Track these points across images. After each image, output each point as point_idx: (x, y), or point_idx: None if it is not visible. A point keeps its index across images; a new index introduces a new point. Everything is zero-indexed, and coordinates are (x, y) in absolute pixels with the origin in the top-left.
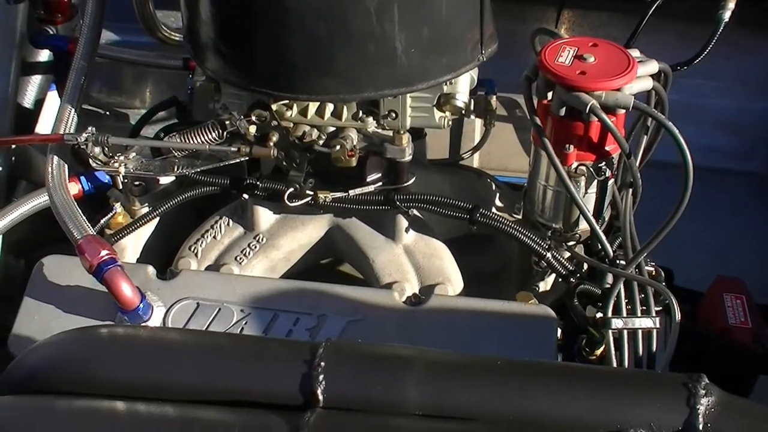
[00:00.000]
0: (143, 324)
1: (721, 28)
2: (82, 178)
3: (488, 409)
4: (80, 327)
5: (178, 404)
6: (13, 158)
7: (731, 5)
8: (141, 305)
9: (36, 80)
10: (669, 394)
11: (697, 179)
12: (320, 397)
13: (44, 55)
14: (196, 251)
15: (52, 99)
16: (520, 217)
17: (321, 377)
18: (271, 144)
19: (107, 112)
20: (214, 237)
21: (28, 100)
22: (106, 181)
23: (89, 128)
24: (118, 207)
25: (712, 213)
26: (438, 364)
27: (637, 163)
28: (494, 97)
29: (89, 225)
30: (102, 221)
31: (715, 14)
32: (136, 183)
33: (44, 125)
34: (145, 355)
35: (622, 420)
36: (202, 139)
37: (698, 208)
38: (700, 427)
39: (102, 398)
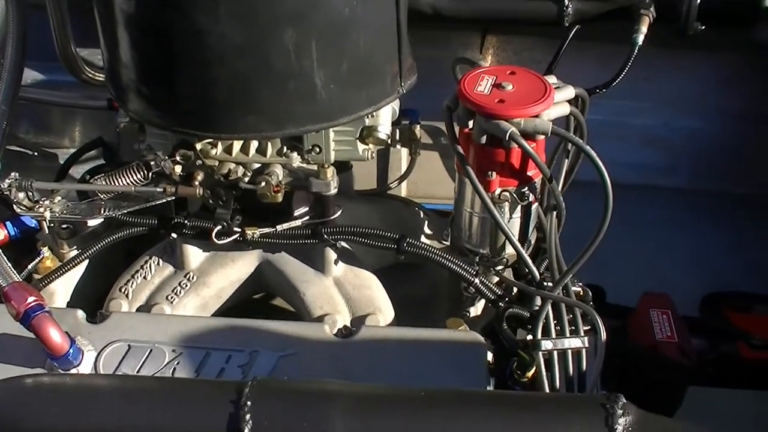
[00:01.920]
0: (74, 369)
1: (636, 51)
2: (8, 223)
3: None
4: (4, 378)
5: None
6: None
7: (644, 29)
8: (71, 350)
9: None
10: (588, 415)
11: (625, 196)
12: None
13: None
14: (126, 292)
15: None
16: (448, 243)
17: (248, 416)
18: (197, 183)
19: (35, 153)
20: (145, 277)
21: None
22: (33, 225)
23: (12, 174)
24: (45, 251)
25: (642, 228)
26: (364, 397)
27: (560, 186)
28: (418, 126)
29: (14, 272)
30: (29, 266)
31: (631, 38)
32: (64, 226)
33: None
34: (72, 403)
35: None
36: (128, 180)
37: (627, 224)
38: None
39: None
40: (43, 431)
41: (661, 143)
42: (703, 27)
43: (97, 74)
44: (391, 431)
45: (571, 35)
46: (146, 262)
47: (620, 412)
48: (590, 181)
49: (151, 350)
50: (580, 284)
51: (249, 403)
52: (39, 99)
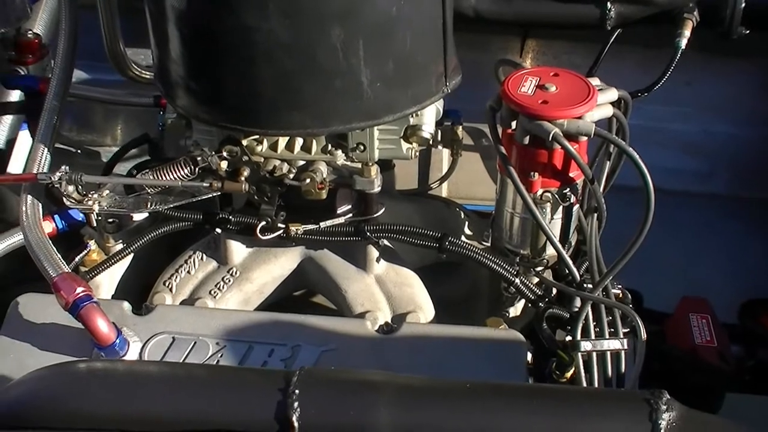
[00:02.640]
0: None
1: (678, 55)
2: (56, 216)
3: (457, 431)
4: (57, 363)
5: None
6: None
7: (687, 33)
8: (117, 341)
9: (7, 120)
10: (631, 410)
11: (663, 201)
12: (295, 425)
13: (15, 95)
14: (170, 286)
15: (24, 138)
16: (488, 244)
17: (296, 404)
18: (243, 179)
19: (78, 150)
20: (188, 272)
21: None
22: (80, 218)
23: (63, 167)
24: (92, 244)
25: (678, 234)
26: (408, 388)
27: (601, 188)
28: (460, 127)
29: (64, 263)
30: (76, 259)
31: (673, 42)
32: (110, 220)
33: (16, 165)
34: (122, 388)
35: None
36: (175, 175)
37: (664, 229)
38: None
39: None
40: (94, 414)
41: (700, 149)
42: (747, 31)
43: (143, 72)
44: (436, 421)
45: (612, 39)
46: (190, 256)
47: (664, 407)
48: (631, 187)
49: (195, 343)
50: (620, 286)
51: (297, 391)
52: (87, 96)
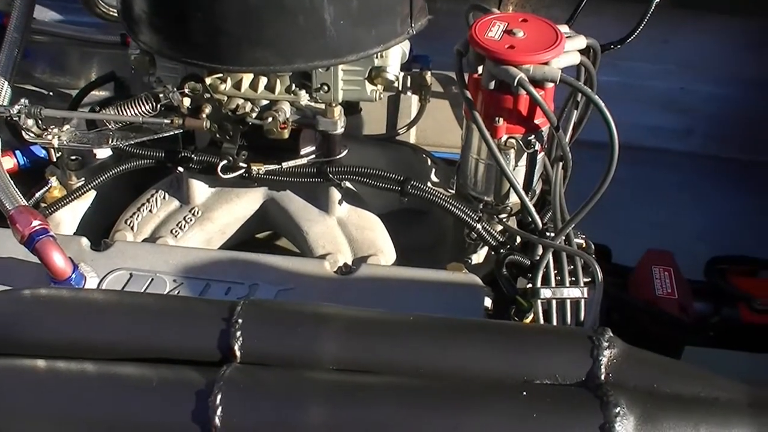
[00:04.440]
0: None
1: (652, 8)
2: (17, 152)
3: (400, 363)
4: (4, 289)
5: (99, 362)
6: None
7: None
8: (73, 275)
9: None
10: (574, 346)
11: (640, 158)
12: (237, 353)
13: None
14: (132, 224)
15: None
16: (454, 191)
17: (238, 333)
18: (204, 116)
19: (51, 93)
20: (150, 210)
21: None
22: (43, 155)
23: (22, 100)
24: (53, 180)
25: (655, 191)
26: (352, 319)
27: (568, 138)
28: (429, 72)
29: (21, 196)
30: (37, 195)
31: None
32: (73, 157)
33: None
34: (67, 314)
35: (528, 371)
36: (136, 111)
37: (639, 186)
38: (602, 377)
39: (23, 357)
40: (39, 341)
41: (677, 107)
42: None
43: (110, 9)
44: (380, 352)
45: None
46: (152, 195)
47: (606, 344)
48: (603, 143)
49: (152, 279)
50: (583, 236)
51: (240, 320)
52: (54, 33)
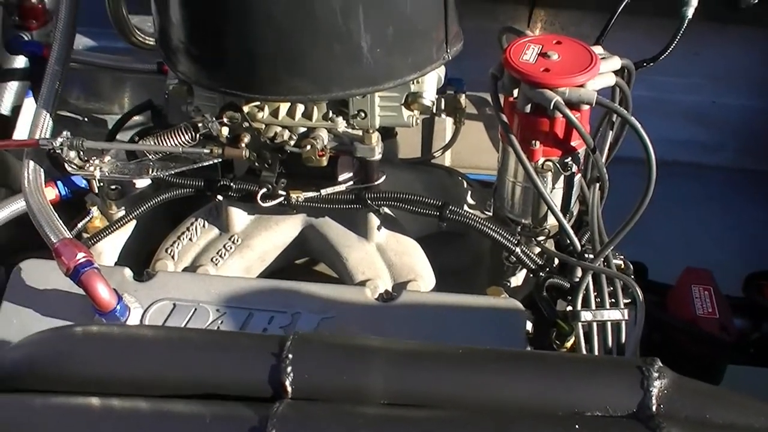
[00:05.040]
0: None
1: (685, 24)
2: (59, 182)
3: (449, 396)
4: (55, 327)
5: (151, 399)
6: None
7: (694, 2)
8: (118, 307)
9: (12, 86)
10: (623, 377)
11: (670, 173)
12: (288, 389)
13: (20, 62)
14: (172, 253)
15: (29, 105)
16: (491, 213)
17: (289, 369)
18: (243, 145)
19: (85, 119)
20: (190, 239)
21: (5, 107)
22: (83, 185)
23: (64, 132)
24: (94, 211)
25: (685, 206)
26: (402, 352)
27: (604, 159)
28: (463, 95)
29: (65, 228)
30: (79, 225)
31: (680, 11)
32: (113, 187)
33: (22, 131)
34: (118, 351)
35: (578, 403)
36: (176, 141)
37: (672, 201)
38: (654, 408)
39: (78, 395)
40: (91, 377)
41: (708, 120)
42: (756, 1)
43: (147, 38)
44: (428, 384)
45: (619, 10)
46: (192, 223)
47: (656, 374)
48: (636, 158)
49: (195, 309)
50: (622, 257)
51: (290, 355)
52: (91, 62)
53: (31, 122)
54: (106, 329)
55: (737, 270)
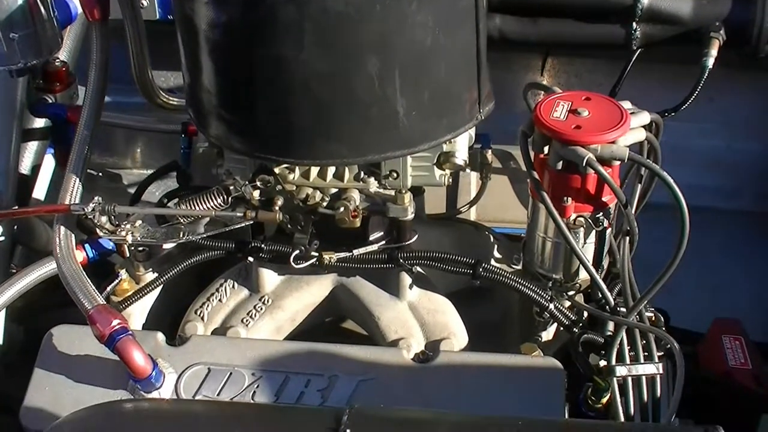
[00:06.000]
0: (155, 391)
1: (706, 74)
2: (86, 245)
3: None
4: (103, 402)
5: None
6: (15, 226)
7: (714, 52)
8: (153, 373)
9: (33, 147)
10: None
11: (690, 219)
12: None
13: (40, 122)
14: (202, 315)
15: (48, 164)
16: (518, 267)
17: None
18: (277, 208)
19: (99, 173)
20: (220, 300)
21: (25, 167)
22: (110, 247)
23: (96, 198)
24: (123, 273)
25: (703, 252)
26: (460, 425)
27: (632, 211)
28: (490, 151)
29: (99, 294)
30: (108, 289)
31: (700, 61)
32: (140, 249)
33: (40, 190)
34: (170, 427)
35: None
36: (209, 205)
37: (690, 246)
38: None
39: None
40: None
41: (724, 165)
42: None
43: (170, 99)
44: None
45: (634, 58)
46: (221, 285)
47: None
48: (656, 204)
49: (230, 374)
50: (652, 309)
51: (348, 431)
52: (116, 123)
53: (62, 187)
54: (155, 405)
55: (758, 315)
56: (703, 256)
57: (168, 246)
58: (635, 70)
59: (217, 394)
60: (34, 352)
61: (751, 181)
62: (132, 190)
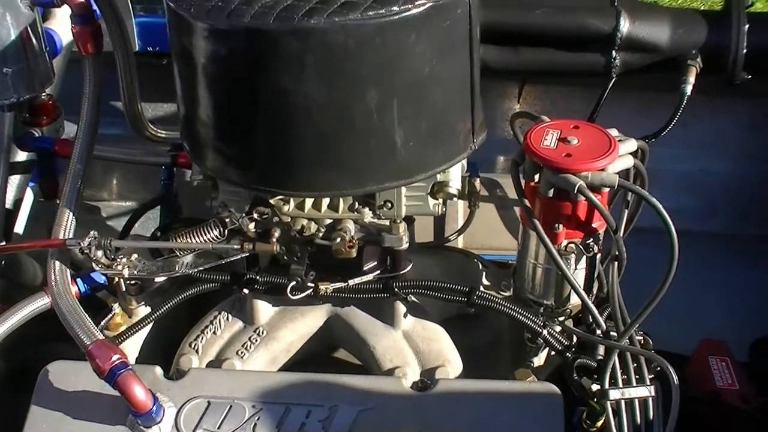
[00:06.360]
0: (155, 425)
1: (684, 101)
2: (78, 279)
3: None
4: None
5: None
6: (2, 261)
7: (692, 79)
8: (153, 407)
9: (16, 181)
10: None
11: (664, 241)
12: None
13: (23, 155)
14: (196, 347)
15: (28, 197)
16: (508, 293)
17: None
18: (274, 240)
19: None
20: (214, 332)
21: (8, 201)
22: (102, 281)
23: (92, 232)
24: (116, 308)
25: (681, 273)
26: None
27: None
28: (478, 179)
29: (96, 329)
30: (102, 323)
31: (678, 88)
32: (132, 282)
33: (20, 224)
34: None
35: None
36: (205, 238)
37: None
38: None
39: None
40: None
41: (698, 188)
42: (750, 76)
43: (158, 132)
44: None
45: (610, 85)
46: (215, 317)
47: None
48: (639, 227)
49: (230, 406)
50: (642, 333)
51: None
52: (105, 156)
53: (55, 222)
54: None
55: (736, 335)
56: (680, 278)
57: (159, 279)
58: (612, 97)
59: (218, 428)
60: (20, 388)
61: (725, 203)
62: (111, 222)
